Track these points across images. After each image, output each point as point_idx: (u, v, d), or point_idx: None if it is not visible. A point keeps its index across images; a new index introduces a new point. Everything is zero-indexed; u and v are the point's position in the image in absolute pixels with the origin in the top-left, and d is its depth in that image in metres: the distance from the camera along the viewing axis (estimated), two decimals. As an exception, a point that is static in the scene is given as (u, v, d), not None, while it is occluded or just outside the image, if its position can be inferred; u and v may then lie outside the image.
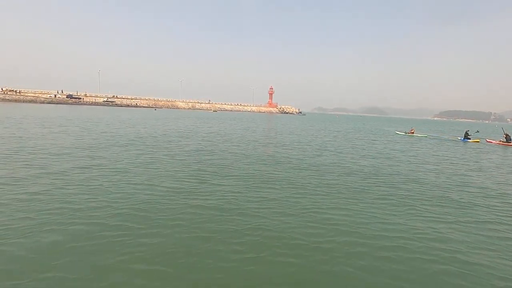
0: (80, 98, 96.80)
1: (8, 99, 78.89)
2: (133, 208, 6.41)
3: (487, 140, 28.72)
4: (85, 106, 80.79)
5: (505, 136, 26.64)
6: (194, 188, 8.29)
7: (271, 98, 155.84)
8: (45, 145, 14.31)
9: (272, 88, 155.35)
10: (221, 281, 4.05)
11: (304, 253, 4.89)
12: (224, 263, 4.46)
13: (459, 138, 29.19)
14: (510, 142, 25.79)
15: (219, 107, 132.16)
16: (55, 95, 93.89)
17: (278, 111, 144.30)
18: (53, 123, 26.21)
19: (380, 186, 9.75)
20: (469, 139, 28.13)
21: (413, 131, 34.10)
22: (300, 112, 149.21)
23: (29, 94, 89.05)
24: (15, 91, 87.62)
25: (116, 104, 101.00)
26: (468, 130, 29.68)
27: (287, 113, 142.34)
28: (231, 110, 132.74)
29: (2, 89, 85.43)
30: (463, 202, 8.32)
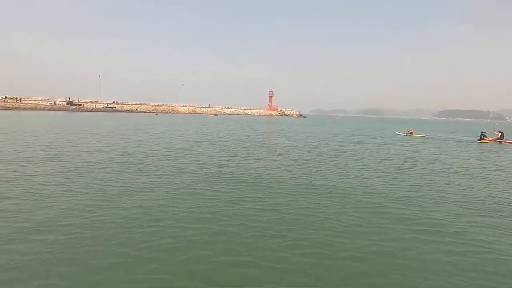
0: (80, 105, 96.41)
1: (8, 107, 78.44)
2: (198, 211, 6.77)
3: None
4: (86, 113, 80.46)
5: (499, 134, 27.89)
6: (240, 191, 8.50)
7: (271, 101, 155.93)
8: (81, 154, 14.06)
9: (272, 91, 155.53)
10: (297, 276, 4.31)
11: (368, 256, 4.94)
12: (294, 259, 4.77)
13: (477, 140, 28.93)
14: (502, 140, 27.19)
15: (219, 111, 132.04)
16: (55, 102, 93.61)
17: (278, 114, 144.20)
18: (77, 132, 25.94)
19: (418, 186, 9.66)
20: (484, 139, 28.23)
21: (411, 131, 34.51)
22: (301, 115, 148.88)
23: (29, 102, 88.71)
24: (15, 98, 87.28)
25: (116, 110, 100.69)
26: (484, 132, 29.56)
27: (287, 115, 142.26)
28: (232, 114, 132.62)
29: (2, 97, 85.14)
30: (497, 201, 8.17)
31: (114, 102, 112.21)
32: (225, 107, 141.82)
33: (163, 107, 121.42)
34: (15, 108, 79.40)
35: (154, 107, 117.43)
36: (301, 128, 45.09)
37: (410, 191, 9.03)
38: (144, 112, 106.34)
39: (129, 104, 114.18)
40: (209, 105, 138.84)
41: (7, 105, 79.94)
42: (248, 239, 5.42)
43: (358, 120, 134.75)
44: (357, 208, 7.25)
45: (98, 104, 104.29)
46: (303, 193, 8.43)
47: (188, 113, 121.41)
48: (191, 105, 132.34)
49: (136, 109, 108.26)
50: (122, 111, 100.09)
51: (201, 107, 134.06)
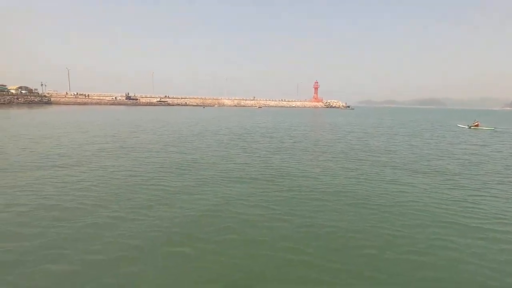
0: (137, 99, 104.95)
1: (79, 102, 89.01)
2: (250, 199, 7.12)
3: None
4: (142, 107, 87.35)
5: None
6: (289, 181, 8.60)
7: (316, 92, 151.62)
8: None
9: (317, 82, 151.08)
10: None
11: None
12: (350, 251, 4.70)
13: None
14: None
15: (263, 103, 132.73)
16: (116, 97, 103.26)
17: (324, 106, 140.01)
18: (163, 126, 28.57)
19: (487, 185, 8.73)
20: None
21: (477, 123, 30.57)
22: (348, 106, 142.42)
23: (95, 97, 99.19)
24: (84, 95, 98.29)
25: (168, 104, 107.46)
26: None
27: (333, 107, 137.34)
28: (275, 106, 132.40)
29: (74, 93, 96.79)
30: None
31: (165, 96, 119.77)
32: (269, 100, 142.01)
33: (209, 100, 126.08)
34: (84, 103, 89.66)
35: (201, 101, 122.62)
36: (348, 120, 43.32)
37: (478, 189, 8.23)
38: (193, 105, 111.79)
39: (179, 98, 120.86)
40: (254, 97, 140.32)
41: (78, 100, 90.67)
42: (300, 229, 5.54)
43: (412, 111, 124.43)
44: (415, 203, 6.89)
45: (152, 98, 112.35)
46: (355, 187, 8.24)
47: (233, 105, 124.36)
48: (236, 98, 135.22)
49: (185, 103, 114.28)
50: (172, 105, 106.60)
51: (246, 99, 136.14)
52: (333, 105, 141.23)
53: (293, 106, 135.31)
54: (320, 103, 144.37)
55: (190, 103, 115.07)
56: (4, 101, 66.17)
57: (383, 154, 13.67)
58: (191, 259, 4.50)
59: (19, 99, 72.28)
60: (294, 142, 17.45)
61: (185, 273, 4.18)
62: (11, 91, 75.89)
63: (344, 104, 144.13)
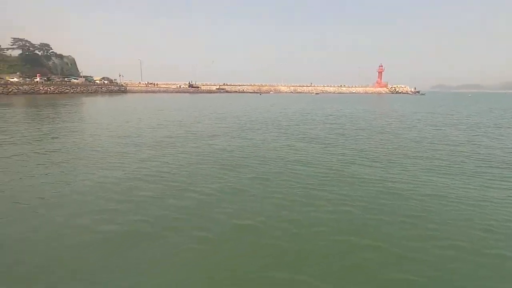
0: (199, 87, 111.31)
1: (149, 90, 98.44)
2: (311, 185, 6.99)
3: None
4: (203, 94, 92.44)
5: None
6: (352, 170, 8.32)
7: (380, 77, 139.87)
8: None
9: (381, 66, 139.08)
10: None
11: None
12: (427, 250, 4.26)
13: None
14: None
15: (321, 90, 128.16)
16: (180, 86, 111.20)
17: (388, 91, 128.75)
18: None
19: None
20: None
21: None
22: (418, 92, 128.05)
23: (162, 86, 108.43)
24: (153, 83, 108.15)
25: (226, 91, 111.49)
26: None
27: (399, 93, 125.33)
28: (334, 92, 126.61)
29: (145, 82, 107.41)
30: None
31: (224, 83, 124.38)
32: (327, 86, 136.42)
33: (266, 87, 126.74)
34: (153, 91, 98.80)
35: (257, 88, 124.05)
36: (417, 108, 39.10)
37: None
38: (249, 92, 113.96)
39: (236, 85, 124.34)
40: (311, 83, 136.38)
41: (148, 89, 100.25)
42: (367, 215, 5.36)
43: (500, 97, 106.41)
44: (509, 198, 6.02)
45: (211, 86, 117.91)
46: (431, 178, 7.53)
47: (290, 92, 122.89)
48: (292, 85, 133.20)
49: (242, 90, 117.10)
50: (230, 92, 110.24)
51: (302, 86, 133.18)
52: (400, 91, 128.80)
53: (353, 92, 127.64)
54: (385, 88, 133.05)
55: (247, 90, 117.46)
56: (91, 90, 76.73)
57: (464, 145, 12.12)
58: (258, 235, 4.75)
59: (102, 88, 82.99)
60: (357, 129, 16.59)
61: (250, 245, 4.48)
62: (96, 81, 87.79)
63: (412, 90, 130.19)
